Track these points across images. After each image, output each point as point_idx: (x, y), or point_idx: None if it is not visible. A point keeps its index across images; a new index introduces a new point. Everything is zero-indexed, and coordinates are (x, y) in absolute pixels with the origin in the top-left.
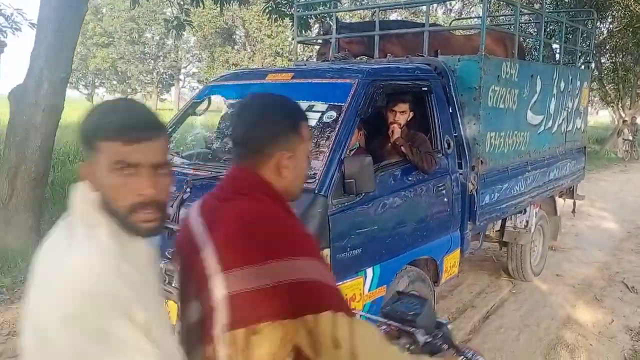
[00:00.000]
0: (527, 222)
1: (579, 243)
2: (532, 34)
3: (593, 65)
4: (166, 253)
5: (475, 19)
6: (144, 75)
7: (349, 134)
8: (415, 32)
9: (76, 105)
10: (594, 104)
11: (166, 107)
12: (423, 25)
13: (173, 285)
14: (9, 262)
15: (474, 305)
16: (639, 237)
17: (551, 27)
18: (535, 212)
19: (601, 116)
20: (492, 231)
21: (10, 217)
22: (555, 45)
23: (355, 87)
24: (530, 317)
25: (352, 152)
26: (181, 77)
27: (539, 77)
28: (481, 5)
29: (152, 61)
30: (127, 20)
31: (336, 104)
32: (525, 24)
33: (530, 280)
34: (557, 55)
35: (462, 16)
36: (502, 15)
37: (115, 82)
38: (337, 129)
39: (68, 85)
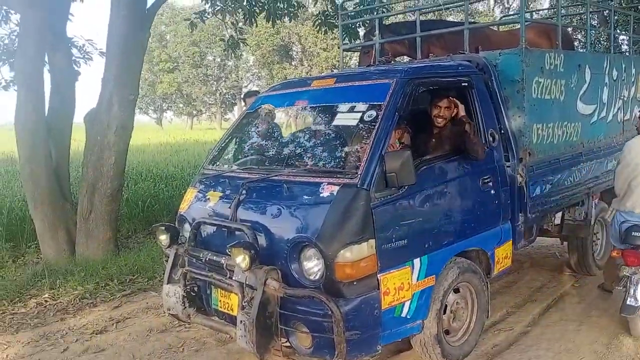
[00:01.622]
0: (586, 214)
1: None
2: (594, 26)
3: None
4: (227, 250)
5: (538, 13)
6: (208, 96)
7: (388, 130)
8: (456, 32)
9: (146, 129)
10: None
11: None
12: (462, 24)
13: (234, 278)
14: (92, 270)
15: (533, 299)
16: None
17: (615, 18)
18: (595, 204)
19: None
20: (551, 225)
21: (90, 230)
22: (622, 37)
23: (393, 86)
24: (592, 309)
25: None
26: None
27: (587, 66)
28: (539, 0)
29: (215, 82)
30: (189, 45)
31: (376, 103)
32: (578, 14)
33: (595, 274)
34: (623, 45)
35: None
36: (552, 8)
37: (181, 105)
38: (377, 126)
39: (138, 110)
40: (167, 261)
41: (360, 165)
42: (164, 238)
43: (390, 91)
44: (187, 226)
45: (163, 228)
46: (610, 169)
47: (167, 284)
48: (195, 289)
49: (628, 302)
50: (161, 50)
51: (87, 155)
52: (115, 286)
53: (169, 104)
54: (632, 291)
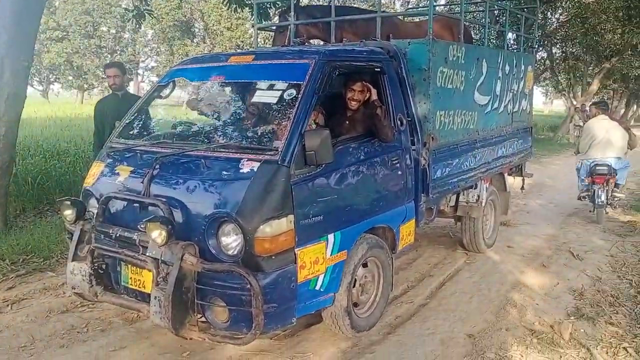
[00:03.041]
0: (478, 196)
1: (530, 219)
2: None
3: (536, 50)
4: (139, 226)
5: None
6: (101, 70)
7: (308, 109)
8: (369, 19)
9: (30, 101)
10: (549, 93)
11: None
12: (375, 12)
13: (147, 254)
14: None
15: (431, 275)
16: (585, 212)
17: (504, 17)
18: (486, 187)
19: (556, 105)
20: (446, 206)
21: None
22: (510, 35)
23: (312, 67)
24: (482, 283)
25: None
26: (140, 71)
27: (484, 60)
28: None
29: (109, 55)
30: (81, 13)
31: (295, 82)
32: (476, 12)
33: (484, 252)
34: (511, 43)
35: (420, 6)
36: (454, 4)
37: (71, 78)
38: (296, 105)
39: None
40: (70, 238)
41: (280, 142)
42: (69, 213)
43: (310, 71)
44: (93, 201)
45: (69, 203)
46: (501, 155)
47: (72, 261)
48: (103, 266)
49: (597, 202)
50: (49, 17)
51: None
52: (7, 266)
53: (56, 75)
54: (598, 196)
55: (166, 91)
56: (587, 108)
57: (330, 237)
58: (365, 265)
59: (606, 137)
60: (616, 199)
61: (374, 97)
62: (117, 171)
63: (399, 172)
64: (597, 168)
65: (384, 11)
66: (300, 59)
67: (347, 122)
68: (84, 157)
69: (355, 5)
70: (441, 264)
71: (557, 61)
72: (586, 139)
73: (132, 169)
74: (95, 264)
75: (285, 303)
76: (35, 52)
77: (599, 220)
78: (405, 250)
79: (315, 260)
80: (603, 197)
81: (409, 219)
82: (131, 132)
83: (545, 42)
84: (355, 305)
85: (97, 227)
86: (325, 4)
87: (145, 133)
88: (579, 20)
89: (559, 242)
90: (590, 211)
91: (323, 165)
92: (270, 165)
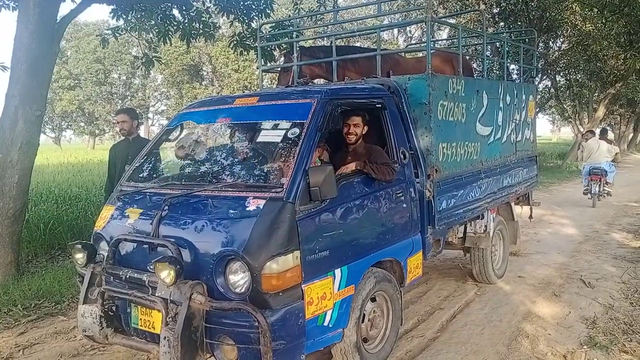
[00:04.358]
0: (485, 226)
1: (540, 248)
2: (488, 56)
3: (538, 80)
4: (148, 267)
5: (439, 42)
6: (112, 115)
7: (311, 147)
8: (369, 57)
9: (42, 149)
10: (555, 121)
11: None
12: (375, 50)
13: (156, 295)
14: None
15: (441, 307)
16: (596, 239)
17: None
18: (493, 217)
19: (563, 132)
20: (454, 238)
21: None
22: (513, 66)
23: (315, 106)
24: (493, 314)
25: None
26: (150, 115)
27: (484, 92)
28: (439, 31)
29: (120, 101)
30: (92, 61)
31: (298, 121)
32: (478, 44)
33: (494, 283)
34: (513, 74)
35: (421, 42)
36: (456, 38)
37: (82, 124)
38: (300, 143)
39: None
40: (81, 281)
41: (285, 179)
42: (80, 256)
43: (312, 110)
44: (103, 244)
45: (80, 246)
46: (506, 185)
47: (83, 304)
48: (114, 308)
49: (592, 191)
50: (61, 67)
51: None
52: (20, 311)
53: (68, 122)
54: (593, 188)
55: (174, 134)
56: (585, 133)
57: (337, 272)
58: (373, 299)
59: (598, 149)
60: (605, 191)
61: (353, 167)
62: (126, 214)
63: (404, 205)
64: (593, 170)
65: (384, 49)
66: (302, 98)
67: (350, 157)
68: (95, 201)
69: (358, 44)
70: (451, 296)
71: (562, 89)
72: (586, 152)
73: (141, 211)
74: (106, 306)
75: (293, 340)
76: (48, 100)
77: (593, 204)
78: (414, 283)
79: (322, 295)
80: (596, 189)
81: (416, 252)
82: (141, 175)
83: (549, 70)
84: (365, 340)
85: (107, 269)
86: (328, 44)
87: (154, 175)
88: (580, 47)
89: (570, 271)
90: (588, 198)
91: (328, 201)
92: (275, 202)
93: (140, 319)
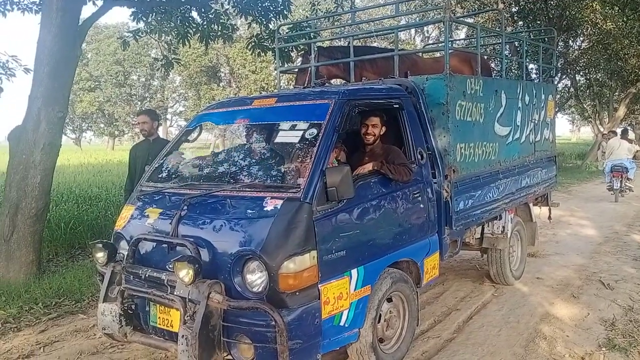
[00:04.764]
0: (503, 227)
1: (559, 249)
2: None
3: (557, 79)
4: (167, 266)
5: (456, 42)
6: (131, 117)
7: (329, 147)
8: (387, 58)
9: (63, 150)
10: (575, 121)
11: None
12: (393, 50)
13: (175, 293)
14: (14, 294)
15: (458, 308)
16: (615, 241)
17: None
18: (511, 218)
19: (583, 132)
20: (471, 238)
21: (12, 252)
22: (531, 65)
23: (332, 107)
24: (511, 316)
25: None
26: (168, 116)
27: (503, 91)
28: (457, 31)
29: (139, 102)
30: (112, 63)
31: (316, 122)
32: (496, 44)
33: (512, 284)
34: (532, 74)
35: (439, 41)
36: (474, 38)
37: (102, 125)
38: (318, 143)
39: None
40: (102, 280)
41: (302, 180)
42: (101, 255)
43: (330, 111)
44: (123, 244)
45: (101, 245)
46: (524, 185)
47: (103, 302)
48: (133, 306)
49: (614, 187)
50: (81, 69)
51: (11, 174)
52: (40, 309)
53: (89, 123)
54: (615, 184)
55: (194, 135)
56: (607, 133)
57: (354, 272)
58: (390, 300)
59: (619, 148)
60: (627, 186)
61: (370, 167)
62: (146, 213)
63: (421, 205)
64: (615, 167)
65: (402, 49)
66: (320, 99)
67: (367, 158)
68: (115, 201)
69: (375, 44)
70: (468, 297)
71: (582, 88)
72: (607, 150)
73: (161, 210)
74: (125, 305)
75: (310, 339)
76: (69, 102)
77: (616, 199)
78: (430, 283)
79: (339, 295)
80: (618, 184)
81: (433, 252)
82: (160, 176)
83: (568, 69)
84: (381, 340)
85: (127, 268)
86: (345, 44)
87: (173, 176)
88: (601, 46)
89: (589, 272)
90: (611, 194)
91: (344, 201)
92: (293, 202)
93: (159, 318)
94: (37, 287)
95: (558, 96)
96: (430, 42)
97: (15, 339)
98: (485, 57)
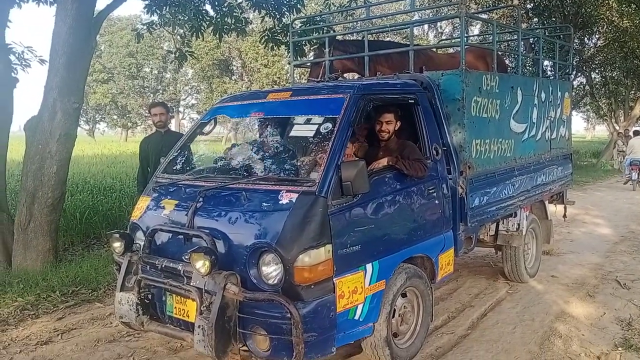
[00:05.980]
0: (518, 225)
1: (574, 248)
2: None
3: (572, 77)
4: (184, 257)
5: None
6: (144, 108)
7: (344, 141)
8: (402, 53)
9: (77, 140)
10: (590, 119)
11: None
12: (408, 45)
13: (191, 284)
14: (31, 282)
15: (472, 305)
16: (632, 240)
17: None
18: (526, 216)
19: (598, 130)
20: (486, 235)
21: (29, 240)
22: (546, 62)
23: (347, 101)
24: (525, 313)
25: None
26: (180, 109)
27: (519, 88)
28: (471, 27)
29: (152, 94)
30: (125, 55)
31: (331, 116)
32: (511, 40)
33: (526, 282)
34: (547, 71)
35: (452, 37)
36: (489, 34)
37: (115, 117)
38: (333, 138)
39: None
40: (118, 269)
41: (317, 174)
42: (118, 245)
43: (345, 105)
44: (139, 234)
45: (117, 235)
46: (540, 183)
47: (120, 291)
48: (149, 296)
49: (632, 178)
50: (95, 60)
51: (27, 164)
52: (58, 297)
53: (102, 115)
54: (633, 175)
55: (208, 128)
56: (631, 133)
57: (369, 266)
58: (404, 295)
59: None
60: None
61: (385, 163)
62: (162, 205)
63: (436, 201)
64: (634, 161)
65: (417, 44)
66: (335, 93)
67: (382, 153)
68: (128, 192)
69: (389, 39)
70: (482, 294)
71: (597, 86)
72: (628, 148)
73: (176, 202)
74: (142, 294)
75: (325, 332)
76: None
77: (634, 188)
78: (445, 280)
79: (353, 289)
80: (636, 176)
81: (448, 248)
82: (175, 168)
83: (584, 67)
84: (395, 335)
85: (143, 258)
86: (360, 38)
87: (188, 168)
88: (617, 44)
89: (605, 271)
90: (630, 184)
91: (359, 196)
92: (308, 196)
93: (175, 308)
94: (54, 275)
95: (573, 94)
96: (444, 37)
97: (33, 326)
98: (500, 53)
